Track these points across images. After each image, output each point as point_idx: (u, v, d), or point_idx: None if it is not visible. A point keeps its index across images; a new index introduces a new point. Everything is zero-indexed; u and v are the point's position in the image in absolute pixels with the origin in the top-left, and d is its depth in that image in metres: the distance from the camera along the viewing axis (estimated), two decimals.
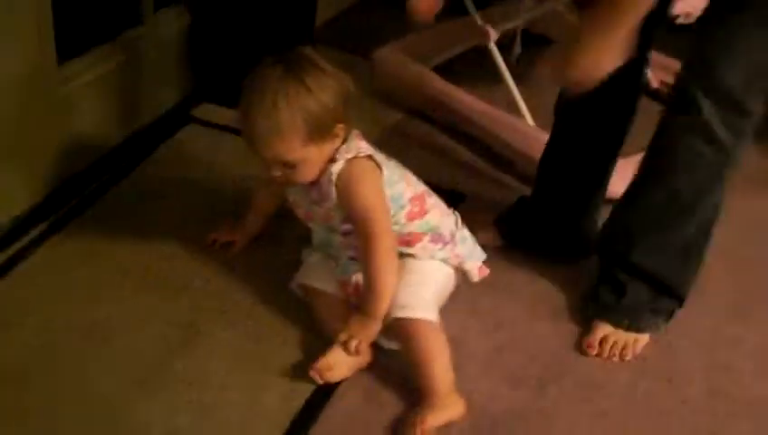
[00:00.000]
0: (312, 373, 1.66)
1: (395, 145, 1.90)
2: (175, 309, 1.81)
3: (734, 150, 1.71)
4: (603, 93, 1.67)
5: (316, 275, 1.81)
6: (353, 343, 1.66)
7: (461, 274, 1.81)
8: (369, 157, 1.68)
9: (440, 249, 1.75)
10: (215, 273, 1.90)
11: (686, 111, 1.68)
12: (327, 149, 1.65)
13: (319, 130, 1.61)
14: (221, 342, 1.75)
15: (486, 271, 1.83)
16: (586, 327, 1.86)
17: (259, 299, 1.85)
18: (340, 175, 1.66)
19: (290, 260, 1.89)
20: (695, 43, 1.68)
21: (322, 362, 1.66)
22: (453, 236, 1.78)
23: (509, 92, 2.38)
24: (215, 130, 2.37)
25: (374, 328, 1.67)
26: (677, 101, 1.72)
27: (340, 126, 1.64)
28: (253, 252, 1.97)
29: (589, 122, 1.89)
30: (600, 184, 2.00)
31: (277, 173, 1.66)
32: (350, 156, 1.66)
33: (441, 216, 1.77)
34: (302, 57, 1.63)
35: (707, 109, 1.65)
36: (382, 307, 1.66)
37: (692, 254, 1.83)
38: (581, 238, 2.03)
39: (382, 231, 1.65)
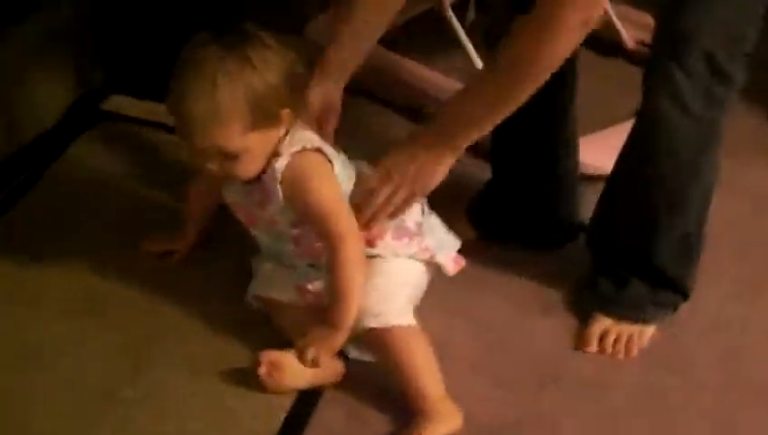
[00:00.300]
0: (261, 370, 1.66)
1: (344, 130, 1.90)
2: (112, 333, 1.79)
3: (714, 122, 1.73)
4: None
5: (272, 285, 1.80)
6: (310, 353, 1.65)
7: (434, 267, 1.79)
8: (318, 150, 1.66)
9: (406, 245, 1.74)
10: (151, 288, 1.88)
11: (662, 80, 1.68)
12: (271, 137, 1.62)
13: (263, 114, 1.58)
14: (173, 365, 1.74)
15: (462, 262, 1.82)
16: (583, 321, 1.88)
17: (207, 315, 1.84)
18: (285, 172, 1.63)
19: (235, 268, 1.90)
20: (670, 3, 1.67)
21: (270, 356, 1.66)
22: (419, 226, 1.76)
23: (468, 62, 2.37)
24: (129, 124, 2.35)
25: (338, 340, 1.66)
26: (651, 69, 1.71)
27: (286, 111, 1.62)
28: (190, 261, 1.95)
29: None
30: (559, 166, 2.00)
31: (213, 167, 1.62)
32: (295, 149, 1.64)
33: None
34: (244, 31, 1.61)
35: (683, 78, 1.65)
36: (348, 317, 1.64)
37: (690, 242, 1.85)
38: (559, 224, 2.04)
39: (347, 230, 1.64)
